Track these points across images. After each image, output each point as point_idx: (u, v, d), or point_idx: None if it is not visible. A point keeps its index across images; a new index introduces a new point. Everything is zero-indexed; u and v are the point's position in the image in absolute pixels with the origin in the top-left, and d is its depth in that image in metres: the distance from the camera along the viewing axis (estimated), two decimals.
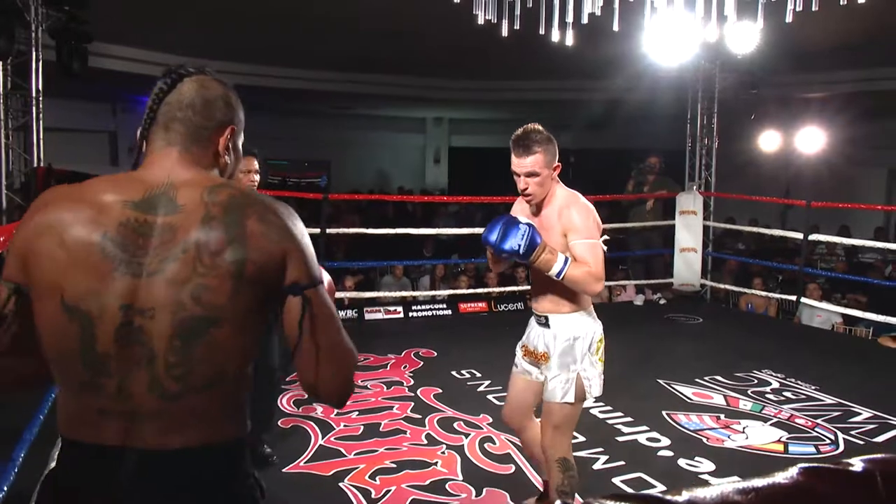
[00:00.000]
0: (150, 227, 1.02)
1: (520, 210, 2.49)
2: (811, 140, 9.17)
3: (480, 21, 4.51)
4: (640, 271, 7.57)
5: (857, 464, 0.32)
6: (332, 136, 13.96)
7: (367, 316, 6.14)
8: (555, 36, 4.36)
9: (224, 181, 1.12)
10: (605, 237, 2.33)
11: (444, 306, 6.49)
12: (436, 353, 5.04)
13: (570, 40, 4.37)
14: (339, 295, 6.36)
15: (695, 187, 7.39)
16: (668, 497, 0.31)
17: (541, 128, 2.30)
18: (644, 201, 7.31)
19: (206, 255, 1.01)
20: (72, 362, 1.01)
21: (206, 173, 1.12)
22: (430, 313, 6.38)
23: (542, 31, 4.54)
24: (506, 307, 6.67)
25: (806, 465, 0.38)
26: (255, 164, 3.05)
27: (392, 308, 6.31)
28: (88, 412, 1.02)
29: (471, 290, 6.73)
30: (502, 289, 6.95)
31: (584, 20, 4.27)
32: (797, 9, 3.75)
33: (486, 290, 6.87)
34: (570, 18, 4.30)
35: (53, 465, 1.08)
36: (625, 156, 10.10)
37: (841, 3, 3.77)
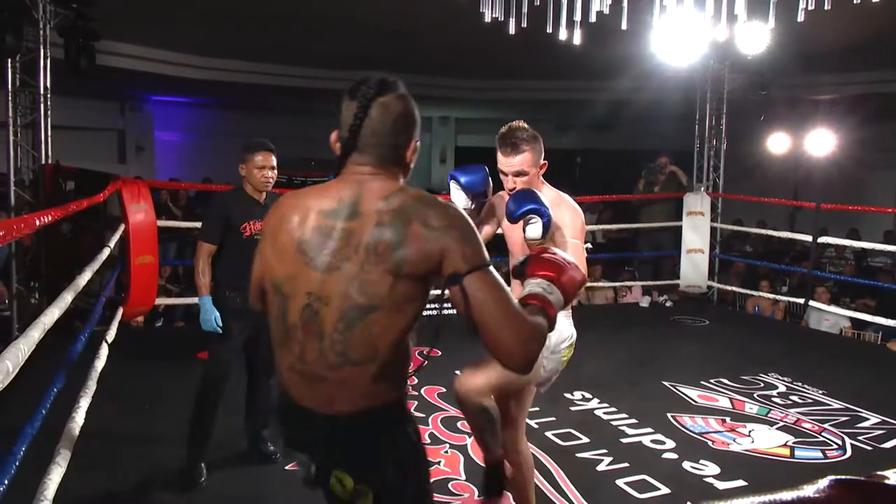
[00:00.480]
0: (333, 231, 1.27)
1: (498, 204, 2.45)
2: (820, 142, 9.08)
3: (487, 19, 4.49)
4: (648, 272, 7.54)
5: (892, 477, 0.29)
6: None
7: None
8: (562, 35, 4.33)
9: (403, 188, 1.31)
10: (588, 244, 2.31)
11: (451, 306, 6.45)
12: (440, 353, 5.02)
13: (577, 39, 4.35)
14: None
15: (702, 188, 7.34)
16: None
17: (526, 125, 2.27)
18: (655, 202, 7.27)
19: (373, 256, 1.23)
20: (276, 324, 1.33)
21: (391, 182, 1.31)
22: (436, 313, 6.34)
23: (549, 30, 4.51)
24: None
25: (837, 477, 0.36)
26: (273, 160, 3.05)
27: None
28: (283, 366, 1.34)
29: None
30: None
31: (592, 18, 4.25)
32: (809, 7, 3.71)
33: None
34: (577, 17, 4.28)
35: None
36: (632, 156, 10.06)
37: (854, 1, 3.73)
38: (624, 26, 4.32)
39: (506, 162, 2.26)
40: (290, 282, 1.29)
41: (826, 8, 3.68)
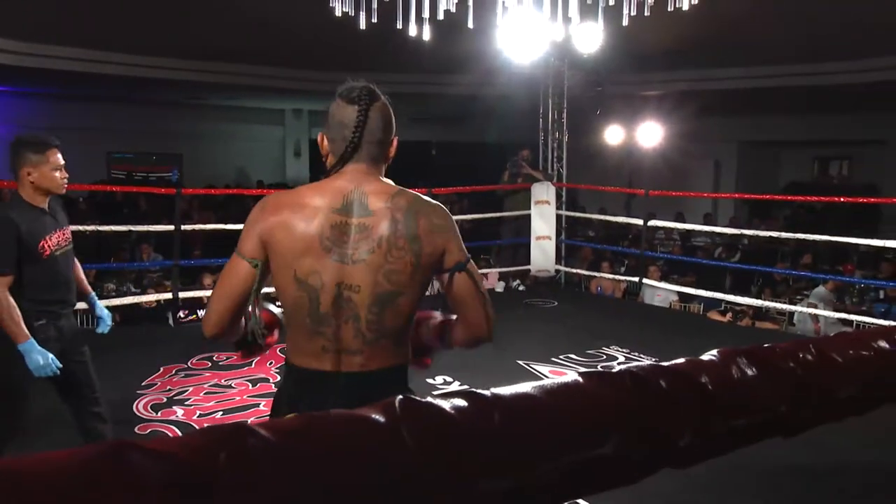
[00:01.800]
0: (349, 227, 1.41)
1: None
2: (650, 134, 9.96)
3: (338, 13, 4.51)
4: (508, 259, 7.92)
5: (616, 368, 0.39)
6: (183, 128, 13.22)
7: None
8: (412, 30, 4.45)
9: (400, 188, 1.49)
10: None
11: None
12: None
13: (426, 35, 4.49)
14: (197, 294, 6.10)
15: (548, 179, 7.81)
16: (478, 391, 0.36)
17: None
18: (518, 191, 7.63)
19: (394, 249, 1.41)
20: (302, 315, 1.44)
21: (385, 182, 1.49)
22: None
23: (399, 26, 4.61)
24: None
25: (584, 370, 0.46)
26: (61, 158, 2.51)
27: None
28: (315, 348, 1.45)
29: None
30: None
31: (440, 16, 4.40)
32: (632, 13, 4.09)
33: None
34: (426, 14, 4.42)
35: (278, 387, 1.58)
36: (484, 148, 10.43)
37: (668, 9, 4.16)
38: (470, 24, 4.52)
39: None
40: (317, 275, 1.41)
41: (646, 14, 4.08)
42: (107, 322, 2.83)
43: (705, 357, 0.44)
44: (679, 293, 7.05)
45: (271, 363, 4.59)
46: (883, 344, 0.44)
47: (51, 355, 2.43)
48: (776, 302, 6.67)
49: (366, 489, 0.28)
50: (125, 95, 11.39)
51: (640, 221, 7.06)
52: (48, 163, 2.45)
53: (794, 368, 0.43)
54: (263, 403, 3.82)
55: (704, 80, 9.61)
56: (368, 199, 1.43)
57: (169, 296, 5.55)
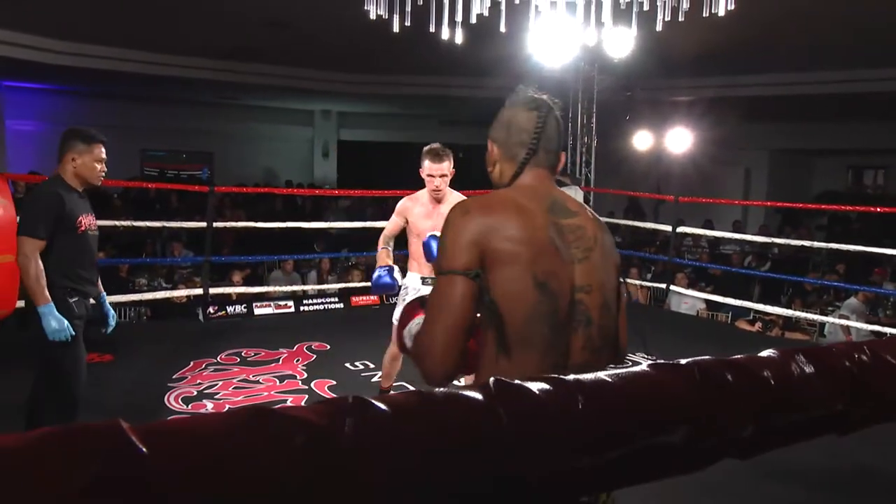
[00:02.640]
0: (563, 228, 1.33)
1: (412, 206, 3.32)
2: (679, 140, 9.88)
3: (372, 16, 4.55)
4: None
5: (683, 361, 0.41)
6: (215, 127, 13.43)
7: (257, 311, 6.02)
8: (444, 34, 4.48)
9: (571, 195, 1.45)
10: None
11: (336, 300, 6.48)
12: (329, 346, 5.04)
13: (459, 39, 4.51)
14: (226, 290, 6.20)
15: (578, 183, 7.79)
16: (562, 377, 0.38)
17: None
18: None
19: (607, 248, 1.38)
20: (539, 325, 1.27)
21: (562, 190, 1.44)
22: (321, 307, 6.35)
23: (432, 29, 4.65)
24: (397, 300, 6.74)
25: (651, 361, 0.47)
26: (104, 153, 2.76)
27: (282, 302, 6.22)
28: (545, 369, 1.25)
29: (363, 283, 6.75)
30: None
31: (473, 20, 4.42)
32: (666, 18, 4.07)
33: None
34: (459, 17, 4.44)
35: None
36: None
37: (703, 15, 4.14)
38: (503, 28, 4.53)
39: (436, 167, 3.15)
40: (554, 278, 1.28)
41: (681, 19, 4.06)
42: (111, 322, 2.96)
43: (764, 354, 0.45)
44: (707, 301, 6.98)
45: (298, 360, 4.65)
46: None
47: (66, 322, 2.58)
48: (807, 312, 6.58)
49: (464, 460, 0.30)
50: (160, 94, 11.59)
51: (668, 228, 7.00)
52: (92, 154, 2.71)
53: (850, 368, 0.44)
54: (290, 399, 3.87)
55: (733, 86, 9.51)
56: (566, 202, 1.39)
57: (199, 291, 5.64)
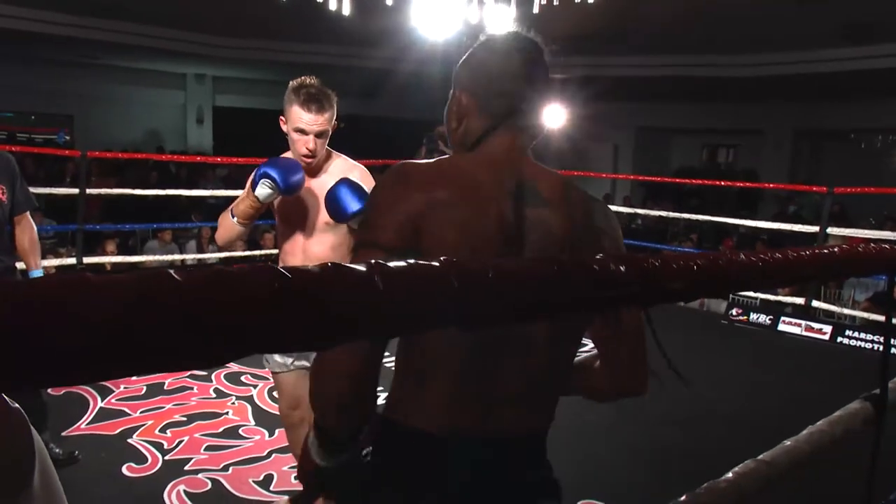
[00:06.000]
0: (525, 220, 1.01)
1: None
2: (554, 116, 10.39)
3: None
4: None
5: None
6: (76, 89, 12.49)
7: None
8: (332, 5, 4.53)
9: (567, 177, 1.15)
10: None
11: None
12: None
13: (346, 10, 4.58)
14: (100, 260, 5.95)
15: None
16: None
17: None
18: None
19: (589, 253, 1.01)
20: (460, 348, 1.00)
21: (544, 167, 1.14)
22: None
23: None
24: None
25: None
26: None
27: None
28: (460, 399, 1.02)
29: (247, 253, 6.70)
30: (276, 250, 7.01)
31: None
32: (542, 1, 4.36)
33: (262, 251, 6.89)
34: None
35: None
36: (397, 123, 10.51)
37: (576, 1, 4.46)
38: (389, 1, 4.64)
39: (310, 119, 2.03)
40: None
41: (555, 4, 4.36)
42: None
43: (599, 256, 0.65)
44: None
45: None
46: (702, 261, 0.68)
47: None
48: None
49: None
50: (8, 52, 10.63)
51: None
52: None
53: (647, 265, 0.65)
54: None
55: (601, 65, 10.12)
56: (539, 184, 1.05)
57: (72, 261, 5.39)
